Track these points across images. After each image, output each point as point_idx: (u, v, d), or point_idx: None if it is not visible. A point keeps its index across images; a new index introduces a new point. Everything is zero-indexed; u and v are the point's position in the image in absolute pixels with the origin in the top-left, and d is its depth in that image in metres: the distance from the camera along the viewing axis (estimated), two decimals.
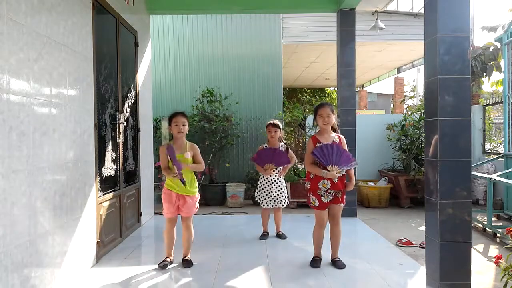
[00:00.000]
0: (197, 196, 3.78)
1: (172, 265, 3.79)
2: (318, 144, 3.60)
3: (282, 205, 4.72)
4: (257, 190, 4.80)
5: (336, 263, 3.73)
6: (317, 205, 3.62)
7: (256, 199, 4.85)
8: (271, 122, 4.68)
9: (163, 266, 3.71)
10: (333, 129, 3.75)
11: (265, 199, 4.70)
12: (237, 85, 8.50)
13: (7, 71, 2.48)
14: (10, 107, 2.51)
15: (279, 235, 4.81)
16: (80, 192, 3.53)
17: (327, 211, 3.68)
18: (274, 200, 4.68)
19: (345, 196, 3.71)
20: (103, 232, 4.08)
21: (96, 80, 3.91)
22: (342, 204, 3.69)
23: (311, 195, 3.66)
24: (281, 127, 4.67)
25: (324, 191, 3.58)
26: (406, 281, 3.43)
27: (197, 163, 3.74)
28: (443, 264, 2.89)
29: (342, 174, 3.61)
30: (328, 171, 3.51)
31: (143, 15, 5.86)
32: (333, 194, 3.62)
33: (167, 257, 3.80)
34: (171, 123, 3.66)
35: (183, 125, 3.63)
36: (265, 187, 4.70)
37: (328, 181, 3.56)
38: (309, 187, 3.68)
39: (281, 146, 4.63)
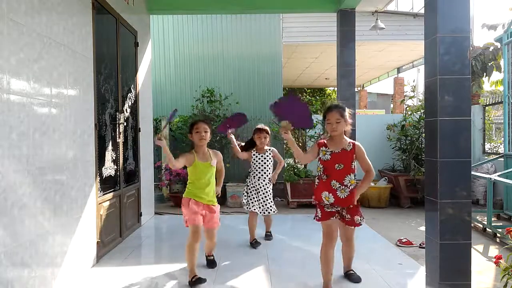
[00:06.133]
0: (218, 206, 3.60)
1: (173, 264, 3.80)
2: (323, 148, 3.18)
3: (270, 212, 4.54)
4: (244, 194, 4.61)
5: (351, 277, 3.42)
6: (320, 216, 3.18)
7: (243, 202, 4.63)
8: (259, 127, 4.48)
9: (201, 281, 3.32)
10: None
11: (252, 202, 4.50)
12: (237, 85, 8.50)
13: (7, 71, 2.48)
14: (10, 107, 2.51)
15: (267, 235, 4.73)
16: (80, 192, 3.53)
17: (334, 221, 3.18)
18: (261, 207, 4.50)
19: (357, 218, 3.19)
20: (103, 232, 4.08)
21: (96, 80, 3.91)
22: (351, 227, 3.25)
23: (316, 207, 3.27)
24: (269, 132, 4.52)
25: (327, 204, 3.15)
26: (406, 281, 3.43)
27: (219, 170, 3.68)
28: (443, 264, 2.89)
29: (352, 188, 3.13)
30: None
31: (143, 15, 5.86)
32: (339, 211, 3.18)
33: (194, 276, 3.33)
34: (192, 130, 3.43)
35: (205, 132, 3.40)
36: (253, 191, 4.52)
37: (331, 194, 3.10)
38: (314, 198, 3.29)
39: (269, 150, 4.54)
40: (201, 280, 3.31)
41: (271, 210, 4.53)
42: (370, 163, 3.18)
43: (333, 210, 3.16)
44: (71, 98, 3.37)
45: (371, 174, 3.18)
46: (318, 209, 3.22)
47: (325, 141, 3.23)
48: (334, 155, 3.15)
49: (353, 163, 3.16)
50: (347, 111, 3.18)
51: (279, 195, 7.92)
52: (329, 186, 3.12)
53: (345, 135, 3.21)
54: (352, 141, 3.22)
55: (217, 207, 3.57)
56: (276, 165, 4.69)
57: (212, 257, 3.82)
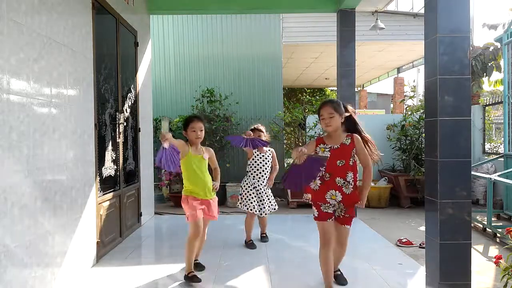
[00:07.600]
0: (216, 198, 3.70)
1: (173, 264, 3.81)
2: (321, 146, 3.07)
3: (275, 209, 4.59)
4: (241, 195, 4.48)
5: (337, 277, 3.33)
6: (317, 215, 3.07)
7: (239, 206, 4.50)
8: (254, 126, 4.51)
9: (197, 280, 3.32)
10: (357, 130, 3.15)
11: (251, 203, 4.40)
12: (237, 85, 8.50)
13: (7, 71, 2.48)
14: (10, 107, 2.51)
15: (263, 237, 4.68)
16: (80, 192, 3.53)
17: (330, 225, 3.05)
18: (265, 206, 4.45)
19: (352, 217, 3.18)
20: (103, 232, 4.08)
21: (96, 80, 3.91)
22: (348, 226, 3.14)
23: (313, 207, 3.13)
24: (264, 131, 4.51)
25: (325, 204, 3.03)
26: (406, 281, 3.43)
27: (214, 168, 3.78)
28: (443, 264, 2.89)
29: (354, 185, 3.04)
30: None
31: (143, 15, 5.86)
32: (341, 209, 3.09)
33: (191, 272, 3.37)
34: (188, 128, 3.42)
35: (201, 131, 3.44)
36: (253, 191, 4.42)
37: (338, 191, 3.00)
38: (310, 199, 3.14)
39: (269, 150, 4.54)
40: (196, 278, 3.32)
41: (272, 206, 4.55)
42: (368, 156, 3.09)
43: (329, 211, 3.05)
44: (71, 98, 3.37)
45: (370, 168, 3.10)
46: (315, 208, 3.11)
47: (323, 138, 3.13)
48: (333, 151, 3.03)
49: (351, 159, 3.03)
50: (345, 106, 3.09)
51: (279, 195, 7.92)
52: (335, 183, 3.01)
53: (356, 131, 3.13)
54: (349, 133, 3.11)
55: (215, 199, 3.64)
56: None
57: (197, 261, 3.70)
